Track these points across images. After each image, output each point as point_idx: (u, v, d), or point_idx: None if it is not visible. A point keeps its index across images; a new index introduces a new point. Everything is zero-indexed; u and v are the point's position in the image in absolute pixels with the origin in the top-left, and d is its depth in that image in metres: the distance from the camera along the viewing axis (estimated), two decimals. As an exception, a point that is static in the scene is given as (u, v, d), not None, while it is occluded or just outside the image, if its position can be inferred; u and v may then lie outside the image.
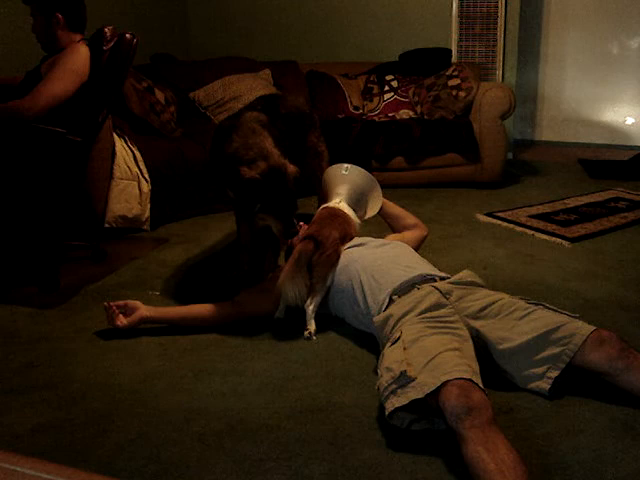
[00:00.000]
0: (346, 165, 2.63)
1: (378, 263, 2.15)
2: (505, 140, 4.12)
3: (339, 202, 2.53)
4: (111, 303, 2.21)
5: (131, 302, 2.23)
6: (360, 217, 2.59)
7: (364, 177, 2.61)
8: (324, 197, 2.66)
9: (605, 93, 5.15)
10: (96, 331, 2.28)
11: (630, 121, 5.15)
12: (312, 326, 2.19)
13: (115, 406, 1.82)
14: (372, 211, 2.68)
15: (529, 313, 1.84)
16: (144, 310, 2.21)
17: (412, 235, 2.57)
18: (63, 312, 2.46)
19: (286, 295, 2.17)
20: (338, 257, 2.25)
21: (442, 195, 3.97)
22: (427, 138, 4.05)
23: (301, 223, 2.63)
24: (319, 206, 2.68)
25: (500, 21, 4.71)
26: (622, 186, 4.01)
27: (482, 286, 2.07)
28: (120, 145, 3.33)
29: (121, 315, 2.21)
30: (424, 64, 4.59)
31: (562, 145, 5.23)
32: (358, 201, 2.58)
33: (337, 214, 2.46)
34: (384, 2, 4.95)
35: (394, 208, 2.70)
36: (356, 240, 2.38)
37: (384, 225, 2.90)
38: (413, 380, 1.57)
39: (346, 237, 2.37)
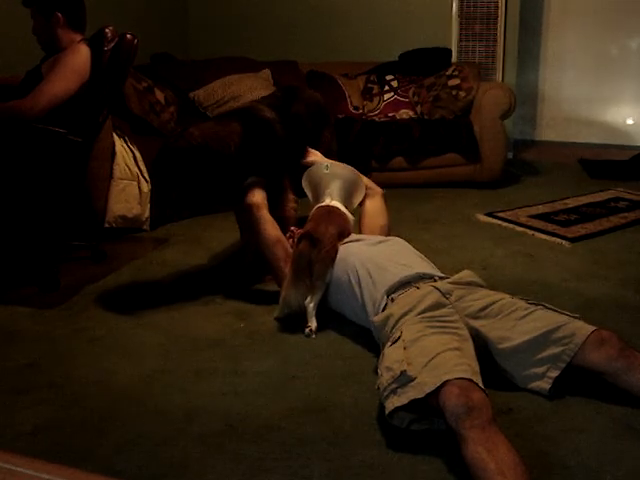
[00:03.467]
0: (325, 164, 2.63)
1: (375, 260, 2.15)
2: (505, 140, 4.12)
3: (331, 200, 2.53)
4: None
5: None
6: (349, 209, 2.58)
7: (346, 171, 2.62)
8: (312, 200, 2.65)
9: (605, 93, 5.15)
10: (96, 331, 2.28)
11: (630, 121, 5.15)
12: (313, 323, 2.19)
13: (115, 406, 1.82)
14: (357, 200, 2.67)
15: (529, 313, 1.84)
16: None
17: (374, 205, 2.60)
18: (63, 312, 2.46)
19: (289, 302, 2.19)
20: (336, 253, 2.25)
21: (442, 195, 3.97)
22: (427, 138, 4.05)
23: (292, 228, 2.62)
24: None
25: (500, 21, 4.70)
26: (622, 186, 4.00)
27: (482, 286, 2.07)
28: (120, 145, 3.33)
29: None
30: (424, 64, 4.59)
31: (562, 145, 5.23)
32: (347, 196, 2.59)
33: (333, 211, 2.46)
34: (384, 2, 4.94)
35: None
36: (354, 236, 2.39)
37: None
38: (413, 380, 1.57)
39: (344, 233, 2.38)
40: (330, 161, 2.67)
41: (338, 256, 2.25)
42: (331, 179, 2.58)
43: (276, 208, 2.70)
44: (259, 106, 2.70)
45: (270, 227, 2.43)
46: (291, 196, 2.74)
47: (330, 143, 3.07)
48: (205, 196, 2.60)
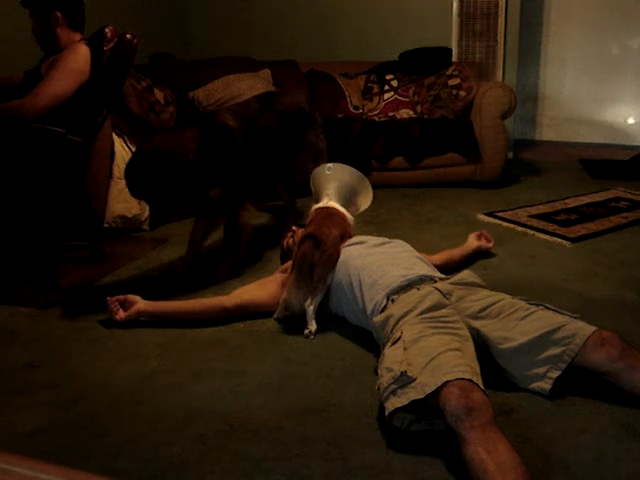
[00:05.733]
0: (329, 165, 2.64)
1: (377, 263, 2.15)
2: (505, 140, 4.11)
3: (328, 201, 2.52)
4: (112, 298, 2.30)
5: (131, 296, 2.31)
6: (352, 212, 2.58)
7: (349, 173, 2.61)
8: (314, 200, 2.66)
9: (606, 92, 5.15)
10: (96, 331, 2.28)
11: (630, 121, 5.14)
12: (313, 326, 2.19)
13: (115, 406, 1.82)
14: (364, 205, 2.66)
15: (530, 313, 1.84)
16: (142, 304, 2.29)
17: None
18: (63, 312, 2.45)
19: (291, 303, 2.19)
20: (338, 256, 2.25)
21: (442, 195, 3.97)
22: (427, 138, 4.04)
23: (294, 228, 2.62)
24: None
25: (500, 20, 4.70)
26: (623, 186, 4.00)
27: (482, 286, 2.07)
28: (119, 145, 3.33)
29: (120, 310, 2.29)
30: (424, 63, 4.58)
31: (563, 145, 5.22)
32: (347, 198, 2.58)
33: (333, 213, 2.45)
34: (384, 2, 4.94)
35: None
36: (356, 238, 2.38)
37: (383, 225, 2.91)
38: (413, 380, 1.57)
39: (345, 235, 2.37)
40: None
41: (340, 259, 2.24)
42: (331, 181, 2.58)
43: (228, 214, 2.70)
44: (223, 113, 2.71)
45: (187, 311, 2.32)
46: (247, 204, 2.73)
47: (315, 145, 3.06)
48: (170, 201, 2.61)
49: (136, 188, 2.46)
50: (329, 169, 2.60)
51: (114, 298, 2.30)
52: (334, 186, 2.56)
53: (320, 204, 2.52)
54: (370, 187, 2.64)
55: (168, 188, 2.46)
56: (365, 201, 2.65)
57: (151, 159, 2.40)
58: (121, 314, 2.28)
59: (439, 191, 4.03)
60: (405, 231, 3.20)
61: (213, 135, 2.56)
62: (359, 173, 2.62)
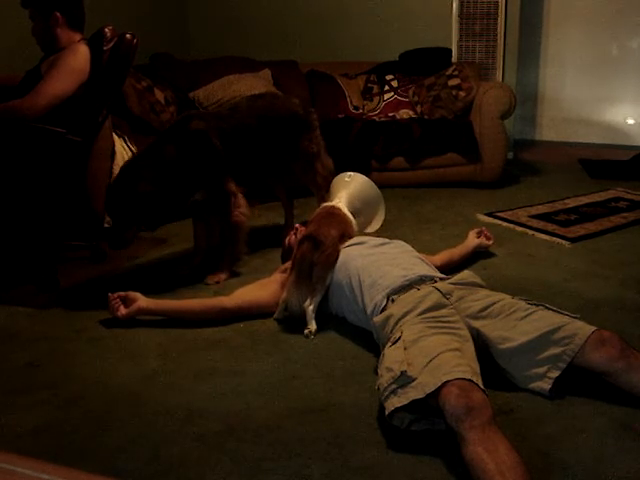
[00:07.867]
0: (350, 173, 2.68)
1: (377, 264, 2.15)
2: (505, 140, 4.12)
3: (338, 202, 2.54)
4: (114, 294, 2.31)
5: (132, 293, 2.31)
6: (359, 224, 2.59)
7: (367, 185, 2.65)
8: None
9: (605, 93, 5.15)
10: (96, 331, 2.29)
11: (630, 121, 5.15)
12: (313, 326, 2.19)
13: (115, 406, 1.82)
14: (373, 226, 2.69)
15: (530, 313, 1.84)
16: (143, 301, 2.29)
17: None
18: (63, 312, 2.46)
19: (291, 304, 2.20)
20: (337, 256, 2.25)
21: (442, 195, 3.97)
22: (427, 138, 4.04)
23: (297, 225, 2.63)
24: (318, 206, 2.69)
25: (500, 21, 4.70)
26: (622, 186, 4.00)
27: (482, 286, 2.07)
28: (120, 145, 3.33)
29: (122, 306, 2.29)
30: (424, 64, 4.59)
31: (562, 145, 5.22)
32: (357, 207, 2.60)
33: (335, 212, 2.46)
34: (384, 2, 4.94)
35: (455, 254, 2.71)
36: (356, 239, 2.38)
37: (383, 225, 2.90)
38: (413, 380, 1.57)
39: (345, 236, 2.37)
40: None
41: (339, 260, 2.24)
42: (347, 187, 2.62)
43: (222, 215, 2.71)
44: (196, 119, 2.70)
45: (188, 310, 2.33)
46: (242, 201, 2.73)
47: (306, 149, 3.06)
48: (160, 216, 2.67)
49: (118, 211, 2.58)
50: (349, 177, 2.66)
51: (115, 294, 2.31)
52: (348, 192, 2.62)
53: (328, 202, 2.54)
54: (383, 211, 2.67)
55: (154, 204, 2.54)
56: (374, 224, 2.69)
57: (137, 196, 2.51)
58: (122, 311, 2.28)
59: (439, 191, 4.03)
60: (405, 231, 3.20)
61: (188, 145, 2.58)
62: (378, 193, 2.67)
